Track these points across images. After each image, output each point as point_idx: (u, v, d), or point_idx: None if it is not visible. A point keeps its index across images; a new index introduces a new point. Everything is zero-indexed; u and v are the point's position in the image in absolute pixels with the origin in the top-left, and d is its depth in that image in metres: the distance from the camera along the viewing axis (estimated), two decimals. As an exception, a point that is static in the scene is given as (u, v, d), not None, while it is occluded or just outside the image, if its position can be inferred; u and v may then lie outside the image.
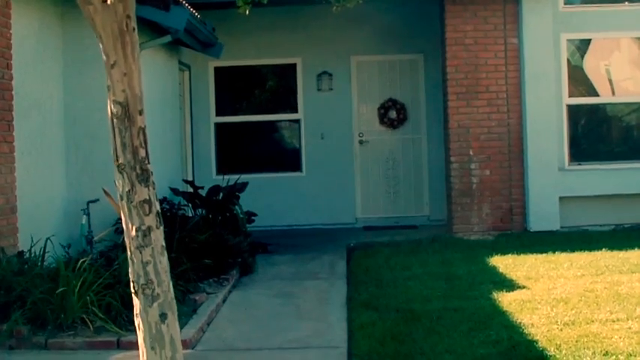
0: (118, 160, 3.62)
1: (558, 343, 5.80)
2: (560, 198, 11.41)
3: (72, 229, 8.56)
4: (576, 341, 5.82)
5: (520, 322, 6.44)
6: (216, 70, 13.25)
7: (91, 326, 6.28)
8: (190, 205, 10.21)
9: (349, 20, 12.28)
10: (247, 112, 13.61)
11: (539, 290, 7.63)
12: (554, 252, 9.66)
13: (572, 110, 11.79)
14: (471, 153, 11.49)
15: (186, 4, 9.79)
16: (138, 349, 3.75)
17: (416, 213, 13.24)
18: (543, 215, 11.33)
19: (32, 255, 7.02)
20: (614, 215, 11.48)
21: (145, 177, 3.62)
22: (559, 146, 11.57)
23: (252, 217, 10.52)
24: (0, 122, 7.33)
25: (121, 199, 3.65)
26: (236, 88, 13.61)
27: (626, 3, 11.76)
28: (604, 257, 9.23)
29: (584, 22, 11.72)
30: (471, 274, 8.53)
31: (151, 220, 3.64)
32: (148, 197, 3.63)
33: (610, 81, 12.04)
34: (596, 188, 11.48)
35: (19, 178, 7.61)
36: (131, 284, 3.70)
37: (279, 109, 13.62)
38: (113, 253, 7.51)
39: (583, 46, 11.96)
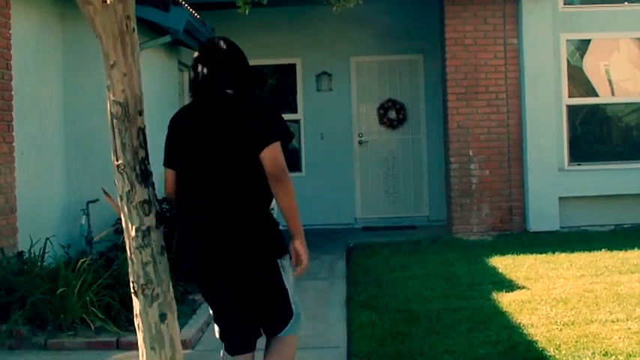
0: (117, 161, 3.61)
1: (558, 343, 5.80)
2: (560, 198, 11.41)
3: (71, 229, 8.56)
4: (576, 341, 5.82)
5: (520, 323, 6.44)
6: (216, 70, 13.24)
7: (91, 326, 6.28)
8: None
9: (349, 21, 12.28)
10: (247, 112, 13.59)
11: (539, 290, 7.63)
12: (553, 252, 9.66)
13: (572, 110, 11.79)
14: (470, 153, 11.50)
15: (186, 5, 9.79)
16: (137, 349, 3.75)
17: (415, 213, 13.24)
18: (543, 215, 11.33)
19: (32, 255, 7.02)
20: (613, 215, 11.49)
21: (144, 177, 3.62)
22: (559, 146, 11.57)
23: (252, 218, 10.50)
24: (0, 122, 7.34)
25: (121, 200, 3.65)
26: (235, 88, 13.59)
27: (626, 3, 11.76)
28: (603, 257, 9.24)
29: (584, 23, 11.72)
30: (471, 274, 8.53)
31: (150, 221, 3.64)
32: (147, 197, 3.63)
33: (610, 81, 12.05)
34: (596, 188, 11.48)
35: (18, 178, 7.62)
36: (131, 284, 3.70)
37: (278, 110, 13.60)
38: (113, 254, 7.51)
39: (582, 46, 11.96)
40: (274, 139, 3.77)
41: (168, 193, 4.05)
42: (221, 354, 4.16)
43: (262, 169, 3.77)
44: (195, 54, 4.03)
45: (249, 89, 3.97)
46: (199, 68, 3.94)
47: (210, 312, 4.18)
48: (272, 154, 3.74)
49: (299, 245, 3.94)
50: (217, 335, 4.14)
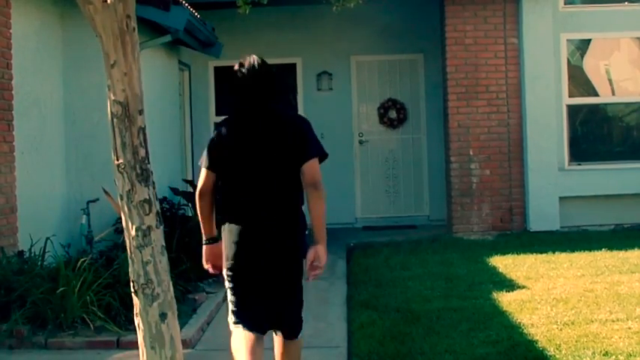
0: (117, 160, 3.62)
1: (558, 343, 5.80)
2: (560, 198, 11.41)
3: (72, 228, 8.56)
4: (576, 341, 5.82)
5: (520, 322, 6.44)
6: (216, 69, 13.25)
7: (91, 326, 6.28)
8: (190, 204, 10.20)
9: (349, 20, 12.28)
10: (247, 111, 13.58)
11: (539, 290, 7.63)
12: (553, 252, 9.66)
13: (572, 110, 11.79)
14: (470, 153, 11.49)
15: (186, 4, 9.79)
16: (138, 348, 3.75)
17: (415, 213, 13.24)
18: (543, 215, 11.33)
19: (32, 255, 7.02)
20: (613, 215, 11.49)
21: (144, 177, 3.63)
22: (559, 146, 11.57)
23: (252, 217, 10.49)
24: (0, 122, 7.34)
25: (121, 199, 3.66)
26: (236, 87, 13.57)
27: (626, 3, 11.76)
28: (604, 257, 9.24)
29: (584, 22, 11.72)
30: (471, 274, 8.54)
31: (150, 220, 3.64)
32: (147, 197, 3.63)
33: (610, 81, 12.04)
34: (596, 188, 11.48)
35: (18, 178, 7.62)
36: (131, 284, 3.70)
37: (278, 109, 13.59)
38: (113, 253, 7.51)
39: (583, 46, 11.95)
40: (315, 155, 4.39)
41: (201, 190, 4.43)
42: (232, 336, 4.44)
43: (299, 178, 4.35)
44: (239, 72, 4.44)
45: (288, 106, 4.46)
46: (246, 83, 4.41)
47: (232, 302, 4.45)
48: (312, 167, 4.36)
49: (321, 250, 4.36)
50: (232, 313, 4.45)
